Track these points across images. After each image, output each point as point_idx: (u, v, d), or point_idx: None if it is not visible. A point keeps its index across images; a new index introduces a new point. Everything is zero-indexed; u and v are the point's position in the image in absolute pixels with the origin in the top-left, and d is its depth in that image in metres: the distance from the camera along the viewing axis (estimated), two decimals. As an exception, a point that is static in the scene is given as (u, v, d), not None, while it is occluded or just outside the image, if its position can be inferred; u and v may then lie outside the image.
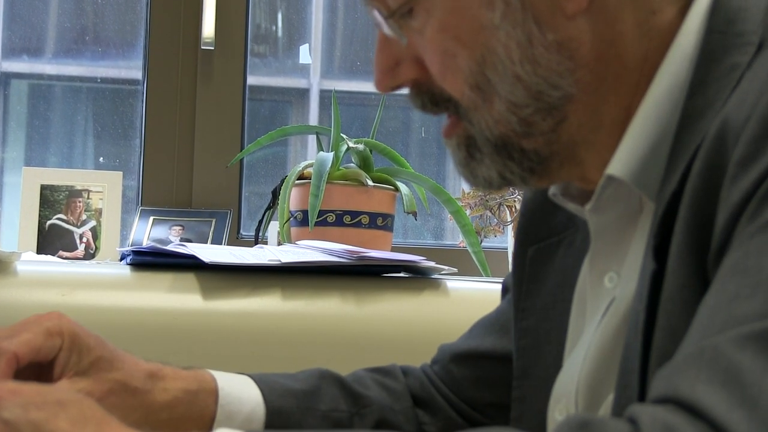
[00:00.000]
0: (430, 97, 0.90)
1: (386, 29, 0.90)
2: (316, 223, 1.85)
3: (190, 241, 2.09)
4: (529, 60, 0.84)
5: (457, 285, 1.69)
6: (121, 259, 1.76)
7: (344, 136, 1.98)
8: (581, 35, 0.85)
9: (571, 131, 0.87)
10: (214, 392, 1.06)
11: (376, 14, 0.90)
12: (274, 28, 2.63)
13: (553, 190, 0.98)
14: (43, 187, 2.14)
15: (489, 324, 1.18)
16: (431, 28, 0.87)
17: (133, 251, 1.67)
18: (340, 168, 1.95)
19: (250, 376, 1.10)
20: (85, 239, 2.13)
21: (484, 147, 0.88)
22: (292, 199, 1.93)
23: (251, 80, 2.37)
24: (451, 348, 1.20)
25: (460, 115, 0.89)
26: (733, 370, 0.61)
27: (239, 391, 1.07)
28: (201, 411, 1.04)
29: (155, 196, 2.27)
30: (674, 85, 0.84)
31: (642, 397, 0.77)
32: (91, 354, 0.99)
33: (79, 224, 2.13)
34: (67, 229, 2.13)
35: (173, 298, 1.60)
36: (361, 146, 1.97)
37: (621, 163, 0.85)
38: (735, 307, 0.64)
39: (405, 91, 0.93)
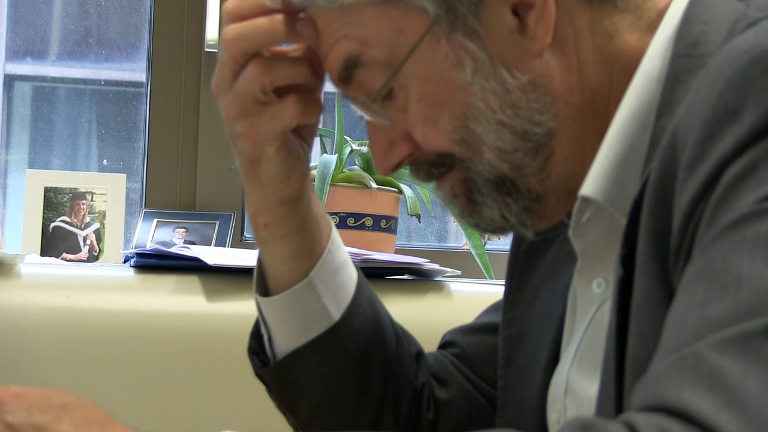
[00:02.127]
0: (430, 164, 0.93)
1: (371, 116, 0.94)
2: (320, 226, 1.84)
3: (193, 243, 2.09)
4: (508, 105, 0.88)
5: (460, 287, 1.69)
6: (125, 262, 1.77)
7: (348, 139, 1.98)
8: (550, 70, 0.88)
9: (560, 166, 0.90)
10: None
11: (359, 105, 0.94)
12: (277, 30, 2.63)
13: None
14: (47, 190, 2.14)
15: (500, 305, 1.20)
16: (411, 101, 0.90)
17: (136, 253, 1.68)
18: (344, 170, 1.95)
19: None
20: (88, 241, 2.13)
21: (483, 187, 0.91)
22: (296, 201, 1.93)
23: (255, 82, 2.37)
24: (461, 328, 1.22)
25: (457, 164, 0.92)
26: (716, 375, 0.62)
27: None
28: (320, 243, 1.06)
29: (159, 199, 2.27)
30: (641, 108, 0.87)
31: (620, 402, 0.78)
32: None
33: (82, 226, 2.14)
34: (71, 232, 2.13)
35: (177, 300, 1.60)
36: (364, 148, 1.97)
37: (592, 183, 0.88)
38: (707, 312, 0.65)
39: (406, 170, 0.97)
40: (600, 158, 0.88)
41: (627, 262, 0.79)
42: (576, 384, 0.93)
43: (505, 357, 1.06)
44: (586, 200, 0.89)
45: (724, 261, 0.67)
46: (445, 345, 1.21)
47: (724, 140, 0.71)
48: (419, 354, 1.15)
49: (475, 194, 0.92)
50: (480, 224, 0.94)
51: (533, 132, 0.88)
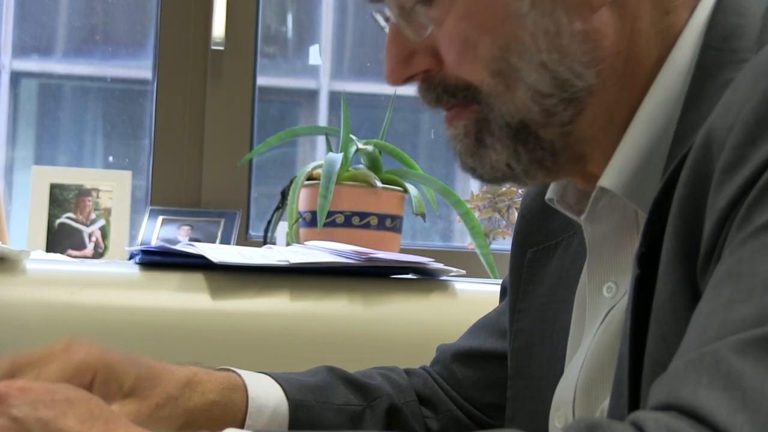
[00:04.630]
0: (444, 88, 0.89)
1: (402, 20, 0.88)
2: (325, 224, 1.85)
3: (198, 240, 2.09)
4: (555, 48, 0.84)
5: (465, 287, 1.69)
6: (130, 259, 1.77)
7: (353, 138, 1.98)
8: (605, 28, 0.85)
9: (584, 127, 0.87)
10: (243, 390, 1.07)
11: (392, 5, 0.89)
12: (283, 28, 2.63)
13: (549, 195, 0.98)
14: (53, 186, 2.14)
15: (490, 325, 1.19)
16: (453, 15, 0.86)
17: (141, 250, 1.68)
18: (349, 169, 1.95)
19: (267, 374, 1.11)
20: (94, 238, 2.13)
21: (497, 131, 0.87)
22: (301, 199, 1.93)
23: (261, 81, 2.38)
24: (451, 348, 1.21)
25: (479, 100, 0.87)
26: (734, 376, 0.61)
27: (264, 388, 1.09)
28: (234, 409, 1.06)
29: (164, 196, 2.27)
30: (668, 99, 0.85)
31: (633, 403, 0.77)
32: (130, 378, 0.98)
33: (88, 223, 2.14)
34: (77, 228, 2.13)
35: (182, 297, 1.60)
36: (370, 147, 1.97)
37: (613, 175, 0.86)
38: (731, 313, 0.64)
39: (416, 87, 0.92)
40: (623, 148, 0.86)
41: (644, 260, 0.78)
42: (588, 391, 0.91)
43: (515, 368, 1.04)
44: (605, 190, 0.87)
45: (753, 263, 0.66)
46: (436, 362, 1.22)
47: (765, 145, 0.69)
48: (391, 408, 1.15)
49: (485, 136, 0.88)
50: (477, 169, 0.90)
51: (572, 84, 0.85)
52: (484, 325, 1.20)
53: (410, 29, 0.88)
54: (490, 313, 1.22)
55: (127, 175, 2.18)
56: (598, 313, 0.92)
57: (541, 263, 1.04)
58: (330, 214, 1.87)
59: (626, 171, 0.86)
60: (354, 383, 1.14)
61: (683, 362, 0.64)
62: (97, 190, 2.16)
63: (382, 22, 0.93)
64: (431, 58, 0.89)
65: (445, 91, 0.89)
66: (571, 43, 0.84)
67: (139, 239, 2.15)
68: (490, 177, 0.90)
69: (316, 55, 2.68)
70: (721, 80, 0.81)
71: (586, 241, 0.93)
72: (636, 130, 0.86)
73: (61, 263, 1.82)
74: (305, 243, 1.81)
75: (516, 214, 2.04)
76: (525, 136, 0.87)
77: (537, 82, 0.85)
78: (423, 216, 1.97)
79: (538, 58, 0.84)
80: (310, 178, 1.94)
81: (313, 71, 2.70)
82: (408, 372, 1.22)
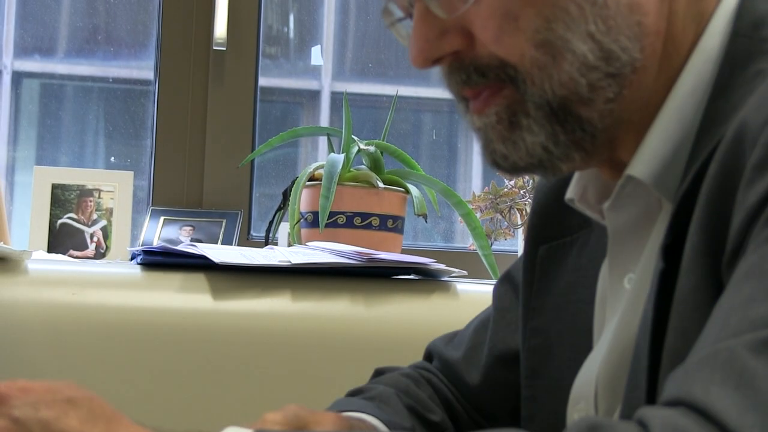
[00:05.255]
0: (476, 67, 0.84)
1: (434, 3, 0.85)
2: (327, 225, 1.85)
3: (200, 241, 2.09)
4: (602, 19, 0.81)
5: (466, 288, 1.69)
6: (132, 259, 1.77)
7: (355, 138, 1.98)
8: (648, 4, 0.83)
9: (624, 107, 0.85)
10: None
11: None
12: (285, 29, 2.63)
13: (569, 195, 0.97)
14: (55, 186, 2.14)
15: (481, 325, 1.18)
16: None
17: (143, 251, 1.68)
18: (351, 170, 1.95)
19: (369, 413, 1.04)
20: (95, 238, 2.13)
21: (534, 110, 0.83)
22: (303, 200, 1.93)
23: (262, 81, 2.38)
24: (452, 355, 1.19)
25: (515, 79, 0.84)
26: (747, 375, 0.60)
27: None
28: None
29: (166, 196, 2.27)
30: (698, 86, 0.83)
31: (651, 396, 0.77)
32: None
33: (89, 223, 2.14)
34: (78, 229, 2.13)
35: (183, 298, 1.60)
36: (372, 148, 1.97)
37: (642, 164, 0.84)
38: (750, 311, 0.64)
39: (443, 68, 0.88)
40: (652, 136, 0.84)
41: (668, 252, 0.77)
42: (610, 384, 0.89)
43: (531, 368, 1.02)
44: (632, 178, 0.85)
45: None
46: (430, 358, 1.21)
47: None
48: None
49: (520, 118, 0.84)
50: (510, 156, 0.85)
51: (618, 57, 0.82)
52: (481, 325, 1.19)
53: (442, 6, 0.84)
54: (483, 319, 1.20)
55: (128, 175, 2.18)
56: (618, 306, 0.90)
57: (556, 260, 1.02)
58: (332, 214, 1.87)
59: (656, 160, 0.84)
60: (426, 422, 1.12)
61: (697, 358, 0.64)
62: (99, 191, 2.16)
63: (398, 13, 0.90)
64: (462, 38, 0.85)
65: (476, 71, 0.85)
66: (617, 14, 0.81)
67: (141, 240, 2.15)
68: (524, 163, 0.85)
69: (317, 56, 2.68)
70: (752, 70, 0.79)
71: (608, 230, 0.91)
72: (666, 117, 0.84)
73: (63, 263, 1.82)
74: (307, 243, 1.82)
75: (518, 215, 2.04)
76: (564, 115, 0.83)
77: (585, 53, 0.81)
78: (425, 217, 1.97)
79: (585, 28, 0.81)
80: (311, 178, 1.94)
81: (315, 72, 2.70)
82: (429, 381, 1.18)
